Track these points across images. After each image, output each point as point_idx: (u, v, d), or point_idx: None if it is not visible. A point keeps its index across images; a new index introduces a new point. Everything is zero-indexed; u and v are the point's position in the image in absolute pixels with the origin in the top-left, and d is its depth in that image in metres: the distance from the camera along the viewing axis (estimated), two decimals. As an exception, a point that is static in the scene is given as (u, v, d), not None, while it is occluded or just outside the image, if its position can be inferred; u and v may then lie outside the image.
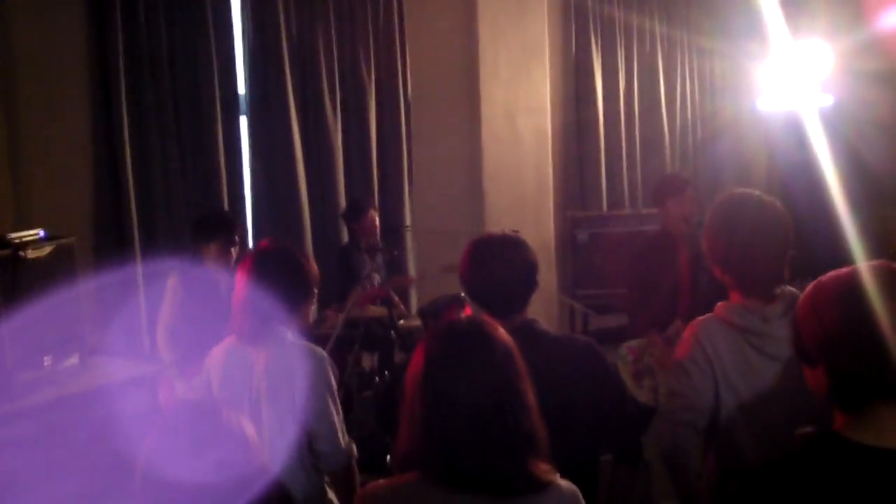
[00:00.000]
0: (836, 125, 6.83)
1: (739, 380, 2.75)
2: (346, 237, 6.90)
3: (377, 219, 6.50)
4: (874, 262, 1.93)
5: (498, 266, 2.86)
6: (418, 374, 2.11)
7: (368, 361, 6.58)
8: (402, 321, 6.18)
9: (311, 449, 3.12)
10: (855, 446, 1.82)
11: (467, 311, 6.01)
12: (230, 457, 2.03)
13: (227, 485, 1.96)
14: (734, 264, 2.82)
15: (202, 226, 5.10)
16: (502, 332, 2.18)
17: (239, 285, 3.18)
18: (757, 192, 2.94)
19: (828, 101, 7.72)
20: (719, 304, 2.87)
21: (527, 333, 2.82)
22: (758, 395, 2.72)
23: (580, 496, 2.16)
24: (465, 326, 2.18)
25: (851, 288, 1.88)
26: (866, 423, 1.83)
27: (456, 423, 2.02)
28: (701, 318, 2.89)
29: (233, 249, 5.04)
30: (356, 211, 6.49)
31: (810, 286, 1.99)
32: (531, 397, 2.10)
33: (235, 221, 5.33)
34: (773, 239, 2.80)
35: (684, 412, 2.81)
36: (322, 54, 6.83)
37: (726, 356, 2.75)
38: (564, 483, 2.13)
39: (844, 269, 1.94)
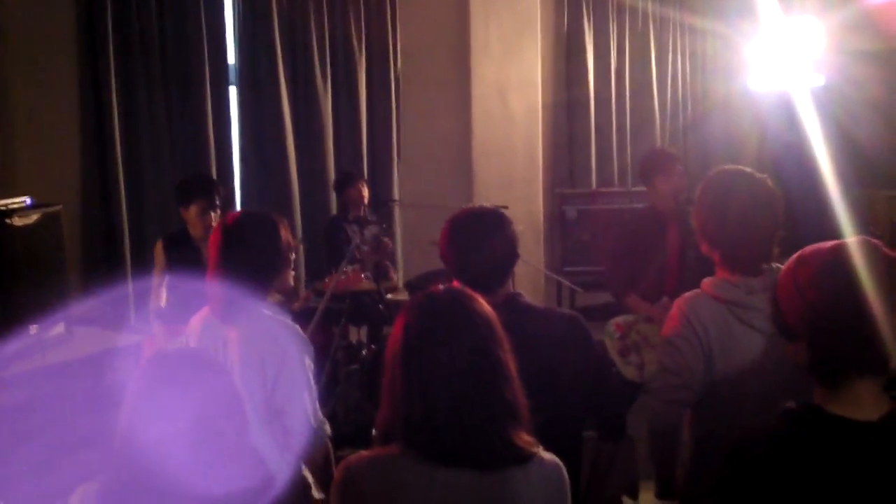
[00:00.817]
0: (827, 105, 6.83)
1: (724, 352, 2.75)
2: (335, 210, 6.90)
3: (366, 191, 6.47)
4: (856, 238, 1.93)
5: (477, 241, 2.84)
6: (396, 345, 2.09)
7: (356, 334, 6.58)
8: (389, 294, 6.17)
9: (281, 426, 3.05)
10: (834, 419, 1.84)
11: (455, 284, 6.04)
12: (213, 412, 2.02)
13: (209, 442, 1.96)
14: (725, 241, 2.82)
15: (181, 188, 5.04)
16: (482, 303, 2.15)
17: (211, 258, 3.12)
18: (748, 170, 2.94)
19: (819, 80, 7.72)
20: (705, 279, 2.87)
21: (511, 306, 2.81)
22: (741, 368, 2.73)
23: (563, 469, 2.15)
24: (443, 297, 2.15)
25: (833, 263, 1.89)
26: (845, 397, 1.85)
27: (435, 394, 2.00)
28: (688, 293, 2.89)
29: (213, 213, 4.97)
30: (345, 181, 6.48)
31: (791, 260, 1.99)
32: (512, 367, 2.08)
33: (215, 183, 5.25)
34: (765, 217, 2.80)
35: (677, 391, 2.82)
36: (313, 27, 6.80)
37: (712, 329, 2.75)
38: (548, 455, 2.11)
39: (826, 245, 1.95)
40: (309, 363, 3.11)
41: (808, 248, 1.98)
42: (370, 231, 6.26)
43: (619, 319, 4.97)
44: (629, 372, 4.84)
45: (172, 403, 1.99)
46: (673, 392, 2.83)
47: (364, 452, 2.09)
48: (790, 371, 2.02)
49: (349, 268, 5.43)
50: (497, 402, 2.03)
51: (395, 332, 2.12)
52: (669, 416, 2.85)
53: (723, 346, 2.75)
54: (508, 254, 2.88)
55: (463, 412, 1.99)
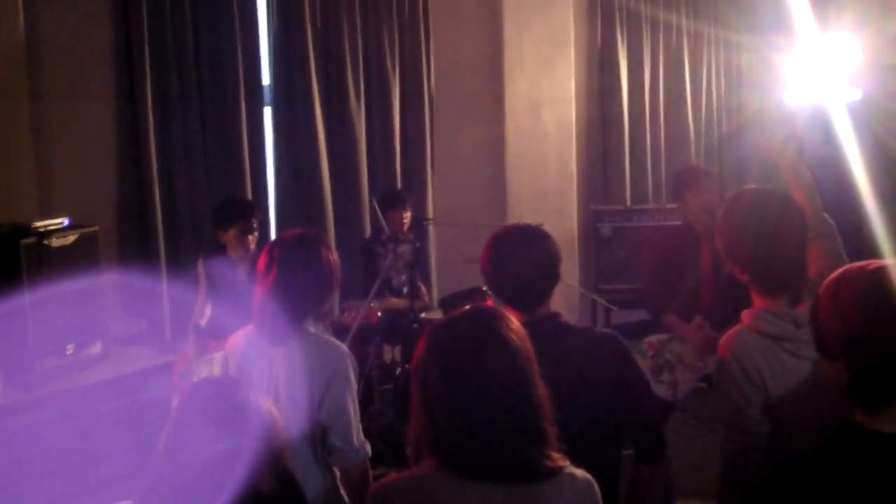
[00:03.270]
0: (863, 119, 6.76)
1: (778, 385, 2.67)
2: (368, 228, 6.91)
3: (408, 216, 6.47)
4: (893, 259, 1.91)
5: (519, 259, 2.83)
6: (421, 365, 2.09)
7: (390, 353, 6.58)
8: (424, 313, 6.17)
9: (324, 445, 3.10)
10: (876, 436, 1.82)
11: (489, 303, 6.03)
12: (248, 435, 2.05)
13: (242, 463, 1.98)
14: (757, 262, 2.74)
15: (219, 213, 5.15)
16: (512, 324, 2.13)
17: (260, 278, 3.15)
18: (770, 188, 2.89)
19: (855, 94, 7.64)
20: (745, 312, 2.78)
21: (550, 326, 2.81)
22: (795, 397, 2.66)
23: (594, 485, 2.14)
24: (471, 317, 2.13)
25: (875, 284, 1.87)
26: (886, 415, 1.83)
27: (459, 416, 2.00)
28: (731, 331, 2.78)
29: (250, 236, 5.07)
30: (393, 202, 6.46)
31: (831, 280, 1.96)
32: (541, 391, 2.06)
33: (253, 208, 5.33)
34: (796, 233, 2.74)
35: (749, 449, 2.71)
36: (346, 46, 6.83)
37: (763, 366, 2.66)
38: (578, 471, 2.10)
39: (867, 265, 1.92)
40: (354, 382, 3.14)
41: (850, 268, 1.95)
42: (403, 249, 6.26)
43: (653, 338, 4.95)
44: (661, 391, 4.82)
45: (211, 429, 2.02)
46: (745, 454, 2.70)
47: (394, 474, 2.13)
48: (833, 396, 1.98)
49: (374, 302, 5.48)
50: (524, 426, 2.01)
51: (419, 352, 2.12)
52: (743, 475, 2.72)
53: (775, 380, 2.67)
54: (550, 274, 2.87)
55: (488, 434, 1.99)
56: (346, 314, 5.80)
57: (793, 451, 1.99)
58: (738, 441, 2.73)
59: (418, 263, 6.76)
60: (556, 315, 2.88)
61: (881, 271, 1.89)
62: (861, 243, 2.92)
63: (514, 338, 2.09)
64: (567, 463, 2.08)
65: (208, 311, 5.16)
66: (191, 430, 2.05)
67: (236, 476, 1.97)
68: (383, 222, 6.15)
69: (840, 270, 1.98)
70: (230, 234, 5.04)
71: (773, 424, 2.70)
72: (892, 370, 1.82)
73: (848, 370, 1.88)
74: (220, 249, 5.13)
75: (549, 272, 2.87)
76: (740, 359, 2.69)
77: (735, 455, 2.75)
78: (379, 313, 5.79)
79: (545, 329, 2.79)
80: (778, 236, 2.72)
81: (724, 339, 2.79)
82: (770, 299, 2.74)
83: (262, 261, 3.18)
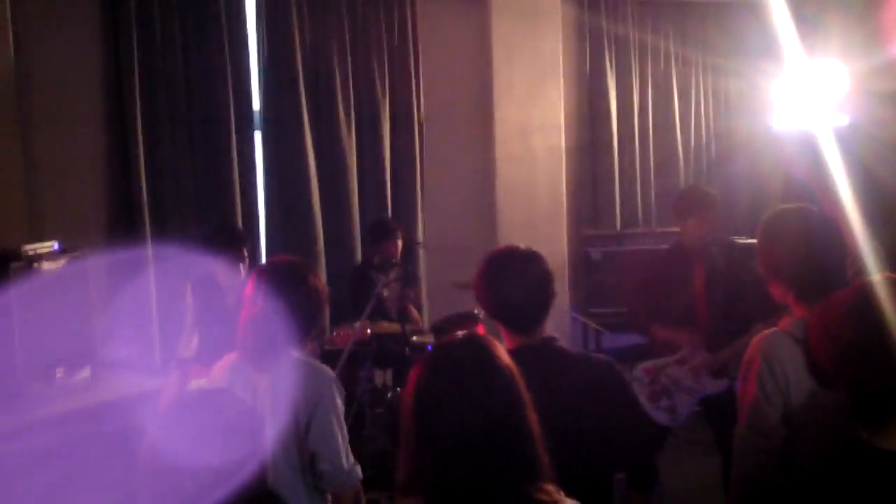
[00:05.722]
0: (851, 145, 6.80)
1: (799, 392, 2.72)
2: (359, 255, 6.91)
3: (400, 243, 6.47)
4: (877, 276, 1.93)
5: (515, 280, 2.83)
6: (410, 396, 2.06)
7: (381, 378, 6.57)
8: (415, 337, 6.16)
9: (313, 470, 3.08)
10: (882, 454, 1.82)
11: (480, 329, 6.03)
12: (232, 443, 2.04)
13: (225, 470, 1.97)
14: (805, 276, 2.81)
15: (209, 243, 5.14)
16: (501, 353, 2.10)
17: (247, 304, 3.14)
18: (808, 206, 3.00)
19: (843, 120, 7.69)
20: (784, 318, 2.87)
21: (545, 351, 2.81)
22: (811, 409, 2.69)
23: None
24: (460, 347, 2.11)
25: (858, 305, 1.89)
26: (891, 432, 1.83)
27: (447, 448, 1.96)
28: (766, 332, 2.88)
29: (241, 266, 5.07)
30: (383, 233, 6.43)
31: (818, 307, 1.98)
32: (532, 420, 2.03)
33: (243, 237, 5.33)
34: (838, 245, 2.88)
35: (766, 455, 2.77)
36: (336, 72, 6.86)
37: (789, 368, 2.72)
38: (570, 502, 2.07)
39: (848, 288, 1.94)
40: (341, 405, 3.13)
41: (835, 293, 1.97)
42: (394, 273, 6.27)
43: (648, 364, 4.95)
44: (660, 416, 4.82)
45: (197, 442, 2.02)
46: (762, 456, 2.78)
47: None
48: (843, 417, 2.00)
49: (357, 324, 5.47)
50: (514, 457, 1.98)
51: (409, 382, 2.09)
52: (758, 478, 2.78)
53: (798, 386, 2.72)
54: (545, 291, 2.86)
55: (476, 467, 1.95)
56: (336, 334, 5.78)
57: (804, 466, 2.00)
58: (753, 442, 2.78)
59: (411, 285, 6.75)
60: (553, 339, 2.88)
61: (864, 290, 1.91)
62: (831, 271, 2.97)
63: (508, 365, 2.08)
64: (561, 495, 2.05)
65: (195, 341, 5.13)
66: (177, 443, 2.03)
67: (220, 492, 1.97)
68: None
69: (824, 301, 2.00)
70: (219, 264, 5.04)
71: (788, 435, 2.74)
72: (888, 384, 1.83)
73: (848, 392, 1.89)
74: (208, 274, 5.11)
75: (544, 290, 2.86)
76: (769, 357, 2.78)
77: (746, 455, 2.79)
78: (369, 331, 5.76)
79: (544, 353, 2.80)
80: (825, 250, 2.83)
81: (757, 338, 2.88)
82: (810, 308, 2.76)
83: (248, 287, 3.18)
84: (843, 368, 1.89)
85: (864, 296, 1.90)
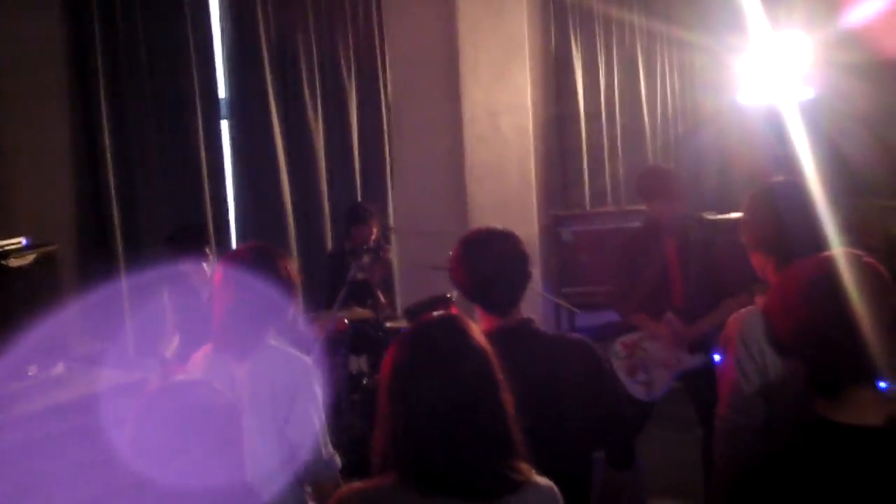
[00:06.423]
0: (816, 118, 6.86)
1: (777, 369, 2.76)
2: (330, 239, 6.90)
3: (375, 230, 6.47)
4: (839, 250, 1.96)
5: (490, 260, 2.84)
6: (385, 376, 2.09)
7: (356, 364, 6.57)
8: (388, 322, 6.17)
9: (292, 459, 3.07)
10: (840, 427, 1.86)
11: (453, 311, 6.04)
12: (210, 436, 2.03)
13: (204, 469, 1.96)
14: (785, 246, 2.83)
15: (171, 244, 5.13)
16: (475, 333, 2.13)
17: (218, 293, 3.13)
18: (792, 180, 3.09)
19: (808, 93, 7.75)
20: (759, 296, 2.89)
21: (522, 332, 2.83)
22: (790, 385, 2.72)
23: (557, 492, 2.15)
24: (435, 327, 2.14)
25: (818, 278, 1.92)
26: (847, 405, 1.87)
27: (422, 426, 2.00)
28: (742, 311, 2.92)
29: (205, 263, 5.06)
30: (359, 216, 6.45)
31: (778, 279, 2.01)
32: (506, 400, 2.07)
33: (204, 235, 5.31)
34: (821, 218, 2.87)
35: (745, 431, 2.81)
36: (302, 56, 6.83)
37: (766, 347, 2.74)
38: (542, 480, 2.12)
39: (808, 261, 1.97)
40: (319, 394, 3.13)
41: (794, 265, 2.00)
42: (366, 258, 6.26)
43: (626, 338, 4.99)
44: (637, 391, 4.87)
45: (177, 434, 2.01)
46: (746, 433, 2.81)
47: (357, 483, 2.10)
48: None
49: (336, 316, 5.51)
50: (487, 435, 2.02)
51: (385, 362, 2.12)
52: (739, 455, 2.82)
53: (775, 364, 2.76)
54: (521, 273, 2.88)
55: (451, 445, 1.98)
56: (314, 324, 5.78)
57: (780, 441, 2.03)
58: (733, 421, 2.82)
59: (384, 267, 6.75)
60: (530, 321, 2.89)
61: (821, 263, 1.94)
62: (818, 241, 3.00)
63: (482, 345, 2.11)
64: (532, 473, 2.08)
65: (175, 341, 5.13)
66: (156, 434, 2.02)
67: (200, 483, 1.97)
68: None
69: (785, 270, 2.02)
70: (185, 265, 5.05)
71: (768, 412, 2.77)
72: (845, 358, 1.86)
73: (804, 363, 1.92)
74: (177, 272, 5.10)
75: (519, 269, 2.87)
76: (745, 337, 2.81)
77: (729, 434, 2.82)
78: (346, 321, 5.77)
79: (521, 334, 2.82)
80: (806, 223, 2.83)
81: (733, 317, 2.93)
82: None
83: (217, 276, 3.17)
84: (799, 341, 1.92)
85: (823, 270, 1.93)
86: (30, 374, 4.39)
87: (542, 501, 2.10)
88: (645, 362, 4.90)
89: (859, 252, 1.98)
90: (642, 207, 5.29)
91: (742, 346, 2.81)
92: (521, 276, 2.88)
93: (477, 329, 2.16)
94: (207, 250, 5.14)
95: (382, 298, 6.45)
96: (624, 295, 5.09)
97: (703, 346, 4.87)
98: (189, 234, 5.25)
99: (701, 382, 4.83)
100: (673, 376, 4.90)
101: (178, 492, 1.95)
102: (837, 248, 2.04)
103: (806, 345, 1.92)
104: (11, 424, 4.13)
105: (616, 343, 4.98)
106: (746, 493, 1.90)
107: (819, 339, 1.89)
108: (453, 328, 2.12)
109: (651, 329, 4.94)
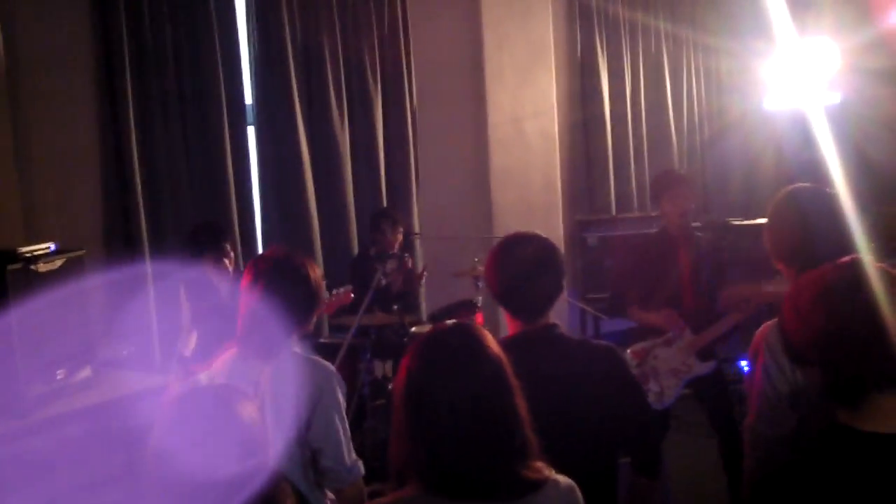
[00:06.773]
0: (842, 123, 6.82)
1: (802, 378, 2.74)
2: (355, 244, 6.92)
3: (399, 237, 6.49)
4: (845, 259, 1.95)
5: (520, 264, 2.81)
6: (401, 384, 2.09)
7: (381, 369, 6.58)
8: (414, 328, 6.18)
9: (315, 466, 3.08)
10: (862, 435, 1.84)
11: (479, 317, 6.04)
12: (239, 445, 2.03)
13: (234, 475, 1.96)
14: (808, 254, 2.78)
15: (191, 241, 5.16)
16: (490, 342, 2.13)
17: (244, 297, 3.15)
18: (815, 186, 3.02)
19: (835, 98, 7.70)
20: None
21: (548, 338, 2.81)
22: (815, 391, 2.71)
23: (577, 489, 2.16)
24: (449, 336, 2.15)
25: (829, 287, 1.90)
26: (870, 413, 1.86)
27: (437, 434, 2.00)
28: (769, 323, 2.87)
29: (226, 260, 5.09)
30: (385, 222, 6.48)
31: (791, 288, 2.00)
32: (521, 407, 2.07)
33: (222, 233, 5.32)
34: (847, 227, 2.85)
35: (776, 443, 2.79)
36: (328, 61, 6.85)
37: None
38: (562, 478, 2.13)
39: (818, 270, 1.96)
40: (342, 401, 3.13)
41: (807, 274, 1.99)
42: (391, 264, 6.27)
43: (637, 347, 4.97)
44: (649, 399, 4.84)
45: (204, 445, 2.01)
46: (773, 445, 2.80)
47: (380, 499, 2.12)
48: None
49: (340, 290, 5.52)
50: (504, 439, 2.03)
51: (400, 370, 2.13)
52: (766, 464, 2.78)
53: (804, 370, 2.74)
54: (553, 285, 2.84)
55: (469, 450, 2.00)
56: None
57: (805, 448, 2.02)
58: (763, 432, 2.82)
59: (408, 274, 6.76)
60: (554, 326, 2.86)
61: (836, 270, 1.93)
62: (843, 247, 2.98)
63: (495, 352, 2.11)
64: (551, 471, 2.10)
65: (193, 339, 5.14)
66: (183, 445, 2.02)
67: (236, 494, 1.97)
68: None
69: (796, 281, 2.01)
70: (205, 261, 5.06)
71: (797, 421, 2.76)
72: (863, 365, 1.85)
73: (823, 372, 1.91)
74: (198, 271, 5.12)
75: (551, 278, 2.83)
76: (773, 346, 2.78)
77: (758, 446, 2.84)
78: (352, 294, 5.77)
79: (542, 339, 2.80)
80: (827, 230, 2.83)
81: (761, 329, 2.90)
82: None
83: (245, 279, 3.18)
84: (816, 351, 1.91)
85: (834, 279, 1.92)
86: (58, 377, 4.42)
87: (562, 498, 2.12)
88: (656, 370, 4.89)
89: (871, 259, 1.97)
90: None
91: (769, 357, 2.79)
92: (552, 287, 2.84)
93: (491, 337, 2.17)
94: (227, 247, 5.16)
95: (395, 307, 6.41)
96: (620, 291, 5.09)
97: (713, 352, 4.87)
98: (208, 230, 5.28)
99: (711, 389, 4.83)
100: (682, 383, 4.89)
101: (201, 482, 1.95)
102: (849, 255, 2.02)
103: (824, 354, 1.90)
104: (39, 428, 4.17)
105: (627, 351, 4.96)
106: (770, 501, 1.90)
107: (835, 345, 1.87)
108: (466, 336, 2.13)
109: (645, 319, 4.92)
